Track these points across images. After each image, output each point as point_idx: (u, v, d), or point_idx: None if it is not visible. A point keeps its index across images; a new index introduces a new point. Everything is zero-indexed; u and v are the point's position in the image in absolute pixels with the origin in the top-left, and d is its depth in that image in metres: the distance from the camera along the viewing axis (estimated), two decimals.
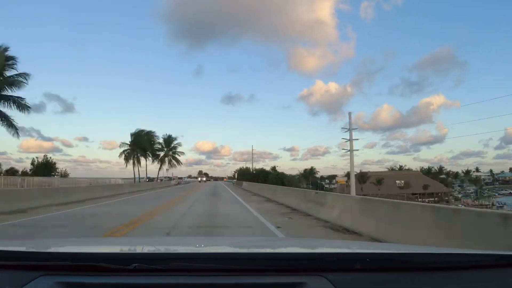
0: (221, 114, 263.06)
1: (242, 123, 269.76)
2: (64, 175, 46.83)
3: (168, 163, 63.93)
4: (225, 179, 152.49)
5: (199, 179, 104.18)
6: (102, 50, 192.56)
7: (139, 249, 1.93)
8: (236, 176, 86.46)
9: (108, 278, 1.27)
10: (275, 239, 4.87)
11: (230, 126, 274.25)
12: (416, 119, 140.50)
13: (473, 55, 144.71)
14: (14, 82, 25.43)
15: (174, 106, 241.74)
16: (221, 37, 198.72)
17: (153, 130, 60.08)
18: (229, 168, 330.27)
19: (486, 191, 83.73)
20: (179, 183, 65.42)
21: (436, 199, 69.57)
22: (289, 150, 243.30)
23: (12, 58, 25.77)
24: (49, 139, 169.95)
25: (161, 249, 1.99)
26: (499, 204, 66.53)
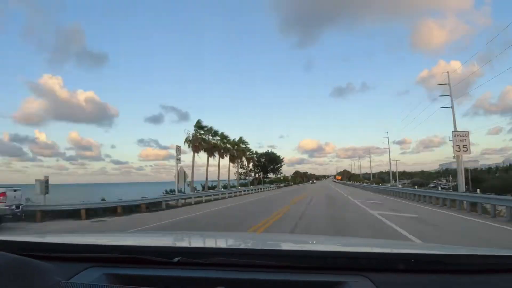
0: (327, 109, 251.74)
1: (348, 117, 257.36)
2: None
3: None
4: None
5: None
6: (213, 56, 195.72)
7: (182, 243, 1.99)
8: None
9: (152, 271, 1.31)
10: (316, 237, 4.79)
11: (335, 121, 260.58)
12: None
13: None
14: None
15: (282, 104, 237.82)
16: (335, 23, 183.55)
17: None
18: (331, 166, 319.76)
19: None
20: None
21: None
22: (399, 143, 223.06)
23: None
24: (165, 147, 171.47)
25: (204, 243, 2.04)
26: None
